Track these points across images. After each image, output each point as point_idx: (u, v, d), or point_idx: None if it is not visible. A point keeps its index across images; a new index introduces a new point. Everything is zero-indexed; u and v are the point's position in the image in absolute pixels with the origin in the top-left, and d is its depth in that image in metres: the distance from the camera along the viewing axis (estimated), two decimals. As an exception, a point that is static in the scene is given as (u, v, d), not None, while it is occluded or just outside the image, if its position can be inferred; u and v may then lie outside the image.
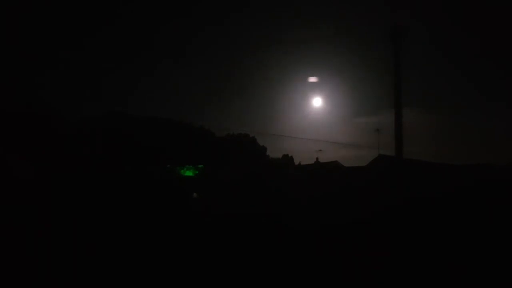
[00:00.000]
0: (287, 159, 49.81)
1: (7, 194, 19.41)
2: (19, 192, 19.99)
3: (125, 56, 73.03)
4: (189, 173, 33.78)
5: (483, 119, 69.38)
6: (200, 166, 34.07)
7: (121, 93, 66.25)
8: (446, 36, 71.24)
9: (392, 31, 20.14)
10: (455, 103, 76.67)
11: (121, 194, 22.09)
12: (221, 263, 9.49)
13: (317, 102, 44.92)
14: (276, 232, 13.43)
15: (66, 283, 8.08)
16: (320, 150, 42.92)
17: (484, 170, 28.75)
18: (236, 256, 10.17)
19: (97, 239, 12.10)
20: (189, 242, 11.95)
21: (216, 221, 15.94)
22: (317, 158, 43.02)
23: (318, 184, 28.23)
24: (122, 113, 41.62)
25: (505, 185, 22.93)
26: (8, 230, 12.82)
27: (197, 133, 45.00)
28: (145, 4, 77.86)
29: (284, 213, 17.71)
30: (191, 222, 15.96)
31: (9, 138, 26.07)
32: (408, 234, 12.88)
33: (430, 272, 8.81)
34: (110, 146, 31.71)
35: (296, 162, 49.73)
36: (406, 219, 15.66)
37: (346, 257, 10.04)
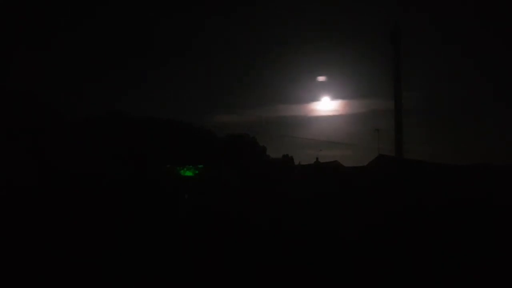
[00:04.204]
0: (287, 159, 49.80)
1: (7, 194, 19.44)
2: (19, 193, 20.02)
3: (125, 56, 73.12)
4: (189, 173, 33.81)
5: (483, 119, 69.38)
6: (200, 166, 34.10)
7: (121, 93, 66.31)
8: (445, 35, 71.35)
9: (393, 31, 20.20)
10: (455, 103, 76.80)
11: (120, 194, 22.11)
12: (218, 264, 9.50)
13: (316, 101, 45.06)
14: (275, 233, 13.43)
15: (66, 282, 8.10)
16: (320, 150, 42.99)
17: (484, 170, 28.81)
18: (233, 257, 10.17)
19: (95, 238, 12.11)
20: (186, 243, 11.95)
21: (215, 221, 15.94)
22: (317, 158, 43.09)
23: (318, 184, 28.26)
24: (122, 113, 41.63)
25: (505, 185, 22.97)
26: (9, 230, 12.85)
27: (197, 133, 44.99)
28: (146, 4, 78.01)
29: (284, 213, 17.71)
30: (188, 222, 15.97)
31: (10, 138, 26.10)
32: (409, 235, 12.89)
33: (430, 273, 8.83)
34: (110, 146, 31.72)
35: (296, 162, 49.75)
36: (407, 219, 15.68)
37: (347, 257, 10.06)
